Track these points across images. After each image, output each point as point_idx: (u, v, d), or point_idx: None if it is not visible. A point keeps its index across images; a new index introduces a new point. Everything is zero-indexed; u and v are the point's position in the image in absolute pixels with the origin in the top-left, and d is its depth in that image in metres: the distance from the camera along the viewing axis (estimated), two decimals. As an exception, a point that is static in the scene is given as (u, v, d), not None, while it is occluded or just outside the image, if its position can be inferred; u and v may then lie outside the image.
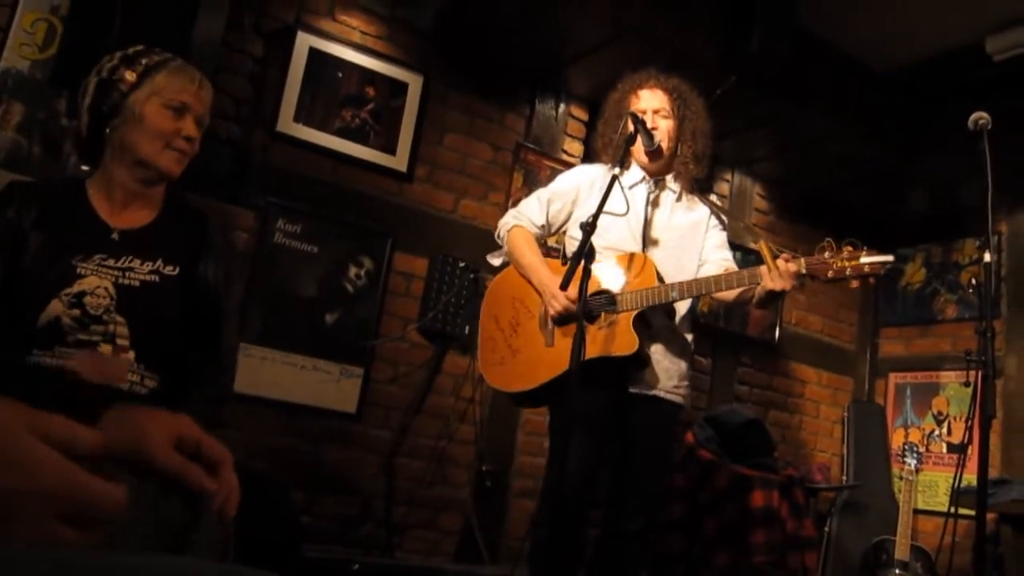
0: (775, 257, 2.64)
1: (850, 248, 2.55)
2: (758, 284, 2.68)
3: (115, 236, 1.85)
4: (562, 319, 2.86)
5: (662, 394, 2.93)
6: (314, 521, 3.85)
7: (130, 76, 1.87)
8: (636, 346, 2.71)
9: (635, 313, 2.76)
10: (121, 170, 1.89)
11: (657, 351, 2.93)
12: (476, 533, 4.15)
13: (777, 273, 2.60)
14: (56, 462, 0.62)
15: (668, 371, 2.94)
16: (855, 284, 2.58)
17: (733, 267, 3.04)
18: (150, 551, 0.78)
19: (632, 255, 2.88)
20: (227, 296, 2.00)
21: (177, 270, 1.88)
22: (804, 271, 2.60)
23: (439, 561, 4.10)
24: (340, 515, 3.95)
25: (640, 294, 2.77)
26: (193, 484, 0.94)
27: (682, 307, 3.01)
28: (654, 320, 2.90)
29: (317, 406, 3.93)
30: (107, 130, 1.88)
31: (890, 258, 2.52)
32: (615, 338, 2.76)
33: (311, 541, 3.72)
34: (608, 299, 2.82)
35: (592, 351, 2.76)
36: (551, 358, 2.86)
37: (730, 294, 2.89)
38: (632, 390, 2.90)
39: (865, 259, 2.51)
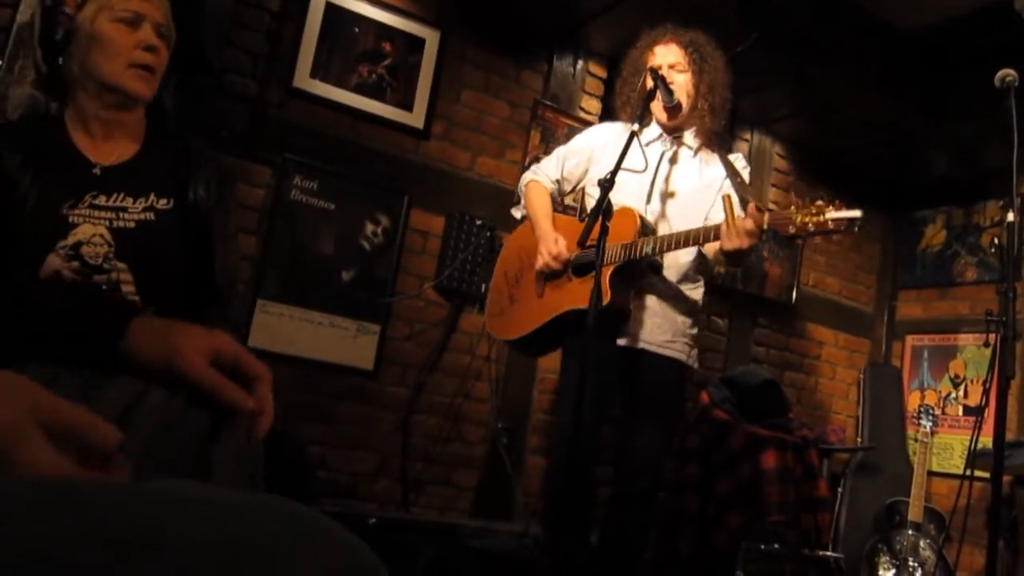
0: (751, 215, 2.58)
1: (819, 204, 2.47)
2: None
3: (96, 171, 1.75)
4: (547, 274, 2.95)
5: (652, 348, 2.93)
6: (331, 476, 3.89)
7: None
8: (607, 299, 2.69)
9: (613, 267, 2.76)
10: (89, 100, 1.78)
11: (651, 305, 2.94)
12: (512, 482, 4.19)
13: (734, 231, 2.53)
14: (58, 470, 0.60)
15: (660, 326, 2.94)
16: (818, 240, 2.55)
17: None
18: (168, 471, 0.77)
19: (622, 209, 2.83)
20: (221, 217, 1.88)
21: (171, 202, 1.78)
22: (765, 227, 2.54)
23: (454, 517, 4.14)
24: (356, 471, 3.98)
25: (617, 248, 2.77)
26: (224, 399, 0.89)
27: (675, 263, 2.98)
28: (640, 275, 2.90)
29: (334, 363, 3.95)
30: (61, 59, 1.77)
31: (857, 213, 2.42)
32: (589, 291, 2.77)
33: (327, 496, 3.76)
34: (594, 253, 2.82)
35: (570, 302, 2.85)
36: (540, 308, 2.96)
37: (708, 251, 2.90)
38: (619, 342, 2.91)
39: (830, 215, 2.43)
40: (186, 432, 0.92)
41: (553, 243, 2.92)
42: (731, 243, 2.53)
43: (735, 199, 2.66)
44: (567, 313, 2.85)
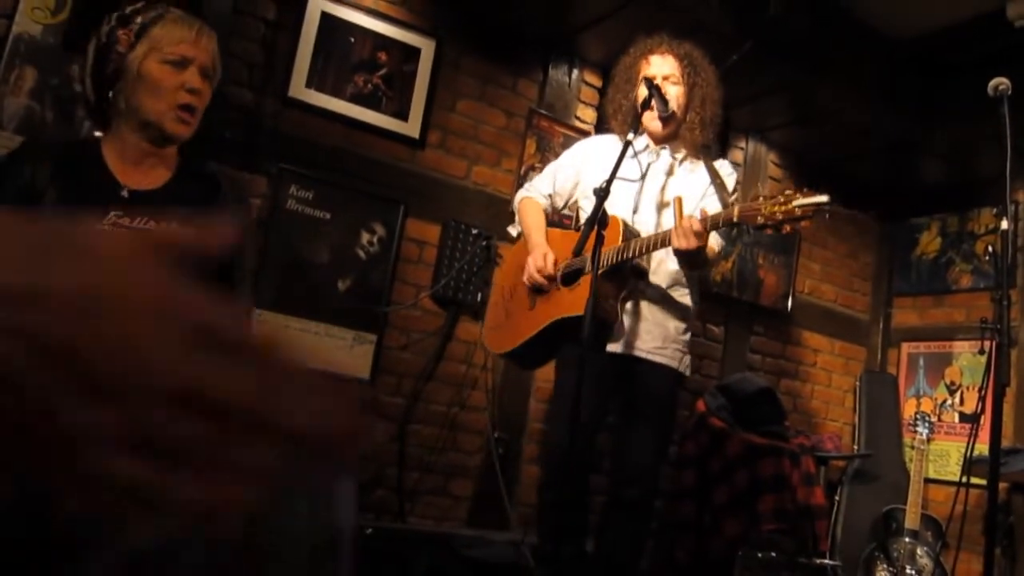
0: (702, 216, 2.57)
1: (787, 192, 2.40)
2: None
3: (125, 193, 1.84)
4: (534, 288, 2.97)
5: (643, 355, 2.92)
6: (327, 486, 3.88)
7: (126, 36, 1.85)
8: (583, 307, 2.64)
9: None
10: (131, 132, 1.89)
11: (643, 311, 2.94)
12: (504, 498, 4.18)
13: (680, 231, 2.54)
14: None
15: (651, 332, 2.93)
16: (788, 229, 2.42)
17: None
18: None
19: (609, 218, 2.81)
20: (240, 256, 1.97)
21: None
22: (735, 219, 2.50)
23: (451, 526, 4.13)
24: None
25: (599, 256, 2.78)
26: None
27: (663, 269, 2.97)
28: (623, 280, 2.87)
29: (330, 373, 3.94)
30: (110, 94, 1.87)
31: (824, 198, 2.33)
32: (575, 299, 2.79)
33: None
34: (580, 262, 2.84)
35: (557, 312, 2.85)
36: (530, 319, 2.97)
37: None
38: (609, 349, 2.91)
39: (797, 202, 2.35)
40: None
41: (541, 257, 2.92)
42: (679, 242, 2.55)
43: (683, 202, 2.66)
44: (556, 322, 2.85)
